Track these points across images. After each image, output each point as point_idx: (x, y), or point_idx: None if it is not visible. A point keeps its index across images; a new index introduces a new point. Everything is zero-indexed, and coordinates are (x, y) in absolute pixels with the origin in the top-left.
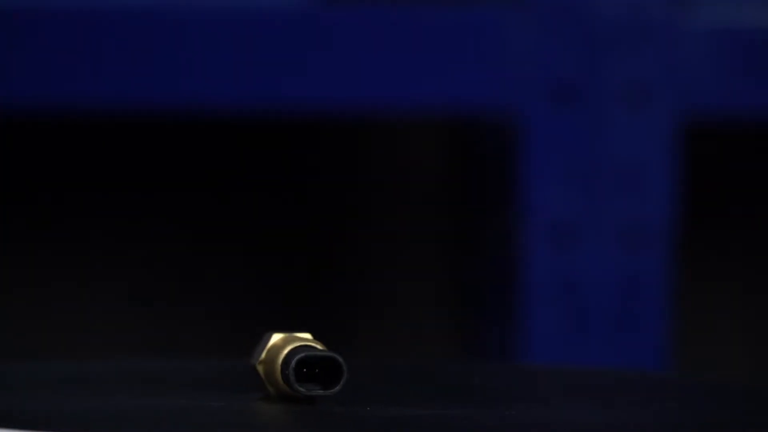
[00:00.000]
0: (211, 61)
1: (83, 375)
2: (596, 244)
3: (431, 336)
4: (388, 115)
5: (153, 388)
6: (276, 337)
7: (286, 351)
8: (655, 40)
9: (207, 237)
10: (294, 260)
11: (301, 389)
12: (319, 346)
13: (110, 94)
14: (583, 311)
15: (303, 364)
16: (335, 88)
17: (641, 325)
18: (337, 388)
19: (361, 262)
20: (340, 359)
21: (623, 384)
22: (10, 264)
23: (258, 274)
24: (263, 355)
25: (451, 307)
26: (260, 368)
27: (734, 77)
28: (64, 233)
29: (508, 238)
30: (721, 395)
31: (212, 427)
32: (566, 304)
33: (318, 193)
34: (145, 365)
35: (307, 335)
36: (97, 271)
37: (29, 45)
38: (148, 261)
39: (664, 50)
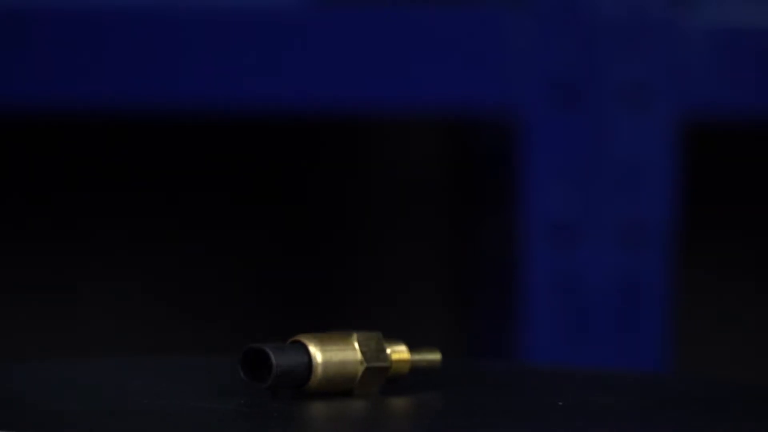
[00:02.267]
0: (211, 61)
1: (87, 374)
2: (596, 244)
3: (431, 336)
4: (388, 115)
5: (177, 387)
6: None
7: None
8: (655, 40)
9: (207, 236)
10: (293, 260)
11: (245, 378)
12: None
13: (110, 94)
14: (583, 311)
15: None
16: (335, 88)
17: (641, 325)
18: (268, 382)
19: (360, 262)
20: (271, 354)
21: (623, 384)
22: (10, 264)
23: (256, 274)
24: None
25: (451, 307)
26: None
27: (734, 77)
28: (64, 233)
29: (508, 238)
30: (721, 395)
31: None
32: (566, 304)
33: (318, 193)
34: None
35: (346, 335)
36: (98, 271)
37: (29, 45)
38: (148, 261)
39: (664, 50)
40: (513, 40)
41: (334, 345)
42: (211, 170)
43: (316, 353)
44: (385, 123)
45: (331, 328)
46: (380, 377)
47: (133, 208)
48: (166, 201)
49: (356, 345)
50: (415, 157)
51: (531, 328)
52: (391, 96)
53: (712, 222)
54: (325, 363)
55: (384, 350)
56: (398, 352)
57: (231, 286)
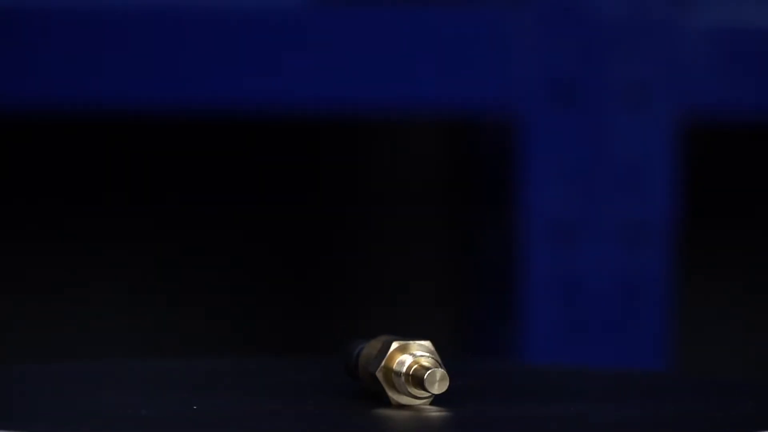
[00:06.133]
0: (211, 62)
1: (87, 375)
2: (596, 244)
3: (431, 336)
4: (388, 115)
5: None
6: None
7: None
8: (655, 40)
9: (207, 236)
10: (293, 260)
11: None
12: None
13: (110, 94)
14: (583, 310)
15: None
16: (335, 88)
17: (641, 324)
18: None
19: (360, 262)
20: (348, 344)
21: (623, 383)
22: (10, 264)
23: (256, 274)
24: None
25: (451, 307)
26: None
27: (734, 77)
28: (64, 233)
29: (508, 237)
30: (720, 394)
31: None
32: (566, 304)
33: (318, 194)
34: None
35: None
36: (97, 271)
37: (29, 45)
38: (149, 261)
39: (664, 50)
40: (513, 40)
41: (378, 348)
42: (210, 170)
43: (364, 352)
44: (385, 123)
45: (330, 328)
46: (378, 384)
47: (135, 208)
48: (166, 201)
49: (374, 350)
50: (415, 157)
51: (531, 328)
52: (391, 96)
53: (712, 222)
54: (361, 365)
55: (381, 357)
56: (399, 361)
57: (231, 287)
